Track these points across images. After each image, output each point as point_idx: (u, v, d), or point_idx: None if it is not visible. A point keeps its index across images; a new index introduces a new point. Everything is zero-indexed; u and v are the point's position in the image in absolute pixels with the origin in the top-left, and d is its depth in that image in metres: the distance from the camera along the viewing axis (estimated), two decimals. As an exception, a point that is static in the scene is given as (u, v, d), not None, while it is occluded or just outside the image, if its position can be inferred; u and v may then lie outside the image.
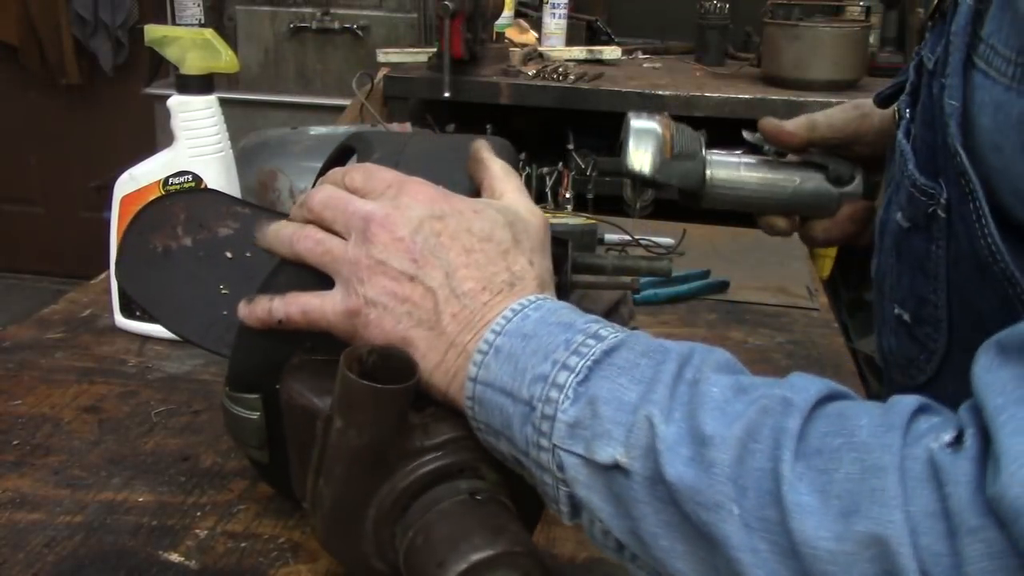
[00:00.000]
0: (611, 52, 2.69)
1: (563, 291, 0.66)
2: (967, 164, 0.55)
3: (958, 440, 0.41)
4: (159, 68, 3.48)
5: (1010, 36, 0.52)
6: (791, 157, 0.86)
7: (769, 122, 0.85)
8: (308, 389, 0.58)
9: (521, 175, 0.64)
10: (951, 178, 0.58)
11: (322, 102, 2.92)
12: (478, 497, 0.55)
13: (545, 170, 2.23)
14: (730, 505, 0.44)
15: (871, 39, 2.52)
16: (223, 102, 1.02)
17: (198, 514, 0.72)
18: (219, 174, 1.01)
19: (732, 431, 0.45)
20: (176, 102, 0.99)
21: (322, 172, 0.75)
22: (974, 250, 0.56)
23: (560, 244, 0.66)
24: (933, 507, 0.40)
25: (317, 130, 1.40)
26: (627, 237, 1.37)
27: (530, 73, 2.39)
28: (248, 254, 0.76)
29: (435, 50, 2.36)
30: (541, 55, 2.57)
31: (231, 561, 0.67)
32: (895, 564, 0.39)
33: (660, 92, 2.30)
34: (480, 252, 0.56)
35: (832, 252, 2.28)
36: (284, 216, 0.66)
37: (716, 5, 2.64)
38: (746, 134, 0.86)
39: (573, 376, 0.50)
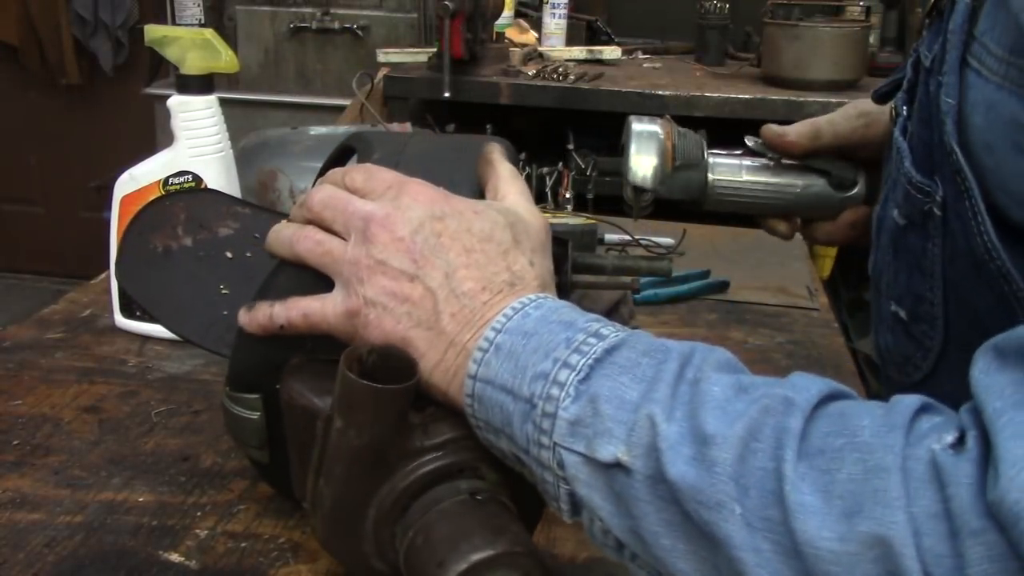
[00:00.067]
0: (611, 52, 2.69)
1: (563, 291, 0.66)
2: (963, 162, 0.55)
3: (960, 442, 0.41)
4: (159, 68, 3.48)
5: (1002, 35, 0.52)
6: (793, 161, 0.86)
7: (771, 129, 0.84)
8: (308, 389, 0.58)
9: (521, 175, 0.65)
10: (947, 176, 0.58)
11: (322, 102, 2.92)
12: (478, 497, 0.55)
13: (545, 170, 2.23)
14: (732, 504, 0.44)
15: (871, 39, 2.52)
16: (223, 102, 1.02)
17: (198, 514, 0.72)
18: (219, 174, 1.01)
19: (734, 430, 0.45)
20: (176, 102, 0.99)
21: (322, 172, 0.75)
22: (970, 248, 0.56)
23: (560, 244, 0.66)
24: (935, 508, 0.40)
25: (317, 130, 1.40)
26: (627, 237, 1.37)
27: (530, 73, 2.39)
28: (248, 254, 0.77)
29: (435, 50, 2.36)
30: (541, 55, 2.57)
31: (231, 561, 0.67)
32: (898, 565, 0.39)
33: (660, 92, 2.30)
34: (480, 252, 0.56)
35: (832, 252, 2.28)
36: (284, 216, 0.66)
37: (716, 5, 2.64)
38: (748, 140, 0.86)
39: (574, 374, 0.50)
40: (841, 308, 2.25)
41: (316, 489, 0.57)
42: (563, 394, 0.49)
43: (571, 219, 1.33)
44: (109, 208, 1.02)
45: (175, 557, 0.67)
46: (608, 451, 0.47)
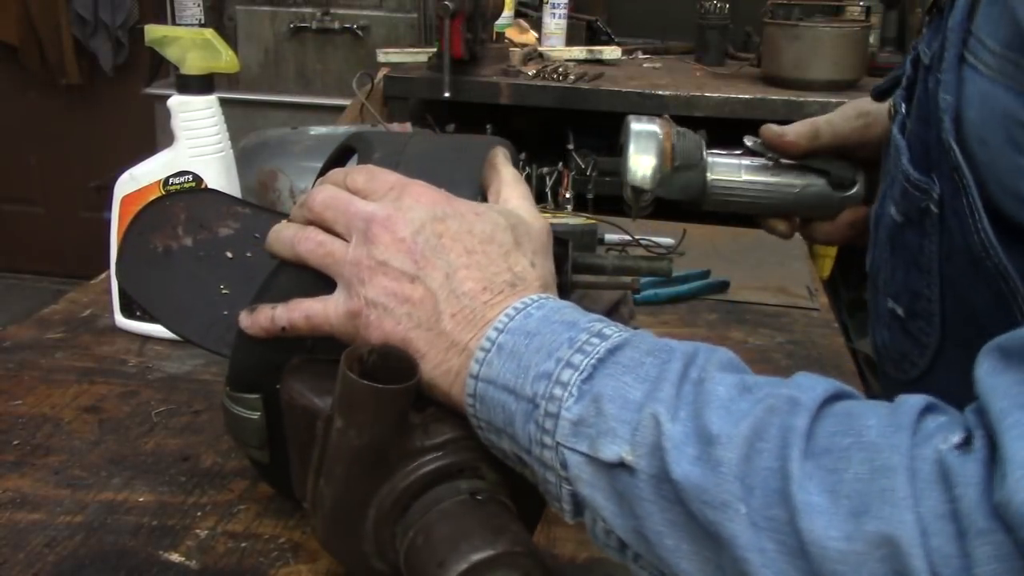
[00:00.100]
0: (611, 52, 2.69)
1: (563, 291, 0.66)
2: (960, 159, 0.55)
3: (967, 442, 0.41)
4: (159, 68, 3.48)
5: (998, 29, 0.52)
6: (792, 161, 0.86)
7: (770, 129, 0.84)
8: (309, 389, 0.58)
9: (521, 175, 0.65)
10: (944, 173, 0.58)
11: (322, 102, 2.92)
12: (478, 497, 0.55)
13: (545, 170, 2.23)
14: (737, 504, 0.43)
15: (871, 39, 2.52)
16: (223, 102, 1.02)
17: (198, 514, 0.72)
18: (219, 174, 1.01)
19: (739, 430, 0.45)
20: (176, 102, 0.99)
21: (322, 172, 0.75)
22: (967, 245, 0.56)
23: (560, 244, 0.66)
24: (943, 508, 0.40)
25: (317, 130, 1.40)
26: (627, 237, 1.37)
27: (530, 73, 2.39)
28: (248, 254, 0.77)
29: (435, 50, 2.36)
30: (541, 55, 2.57)
31: (231, 561, 0.67)
32: (906, 565, 0.39)
33: (660, 92, 2.30)
34: (481, 253, 0.56)
35: (832, 252, 2.28)
36: (284, 216, 0.65)
37: (716, 5, 2.64)
38: (747, 140, 0.86)
39: (577, 374, 0.50)
40: (841, 308, 2.25)
41: (316, 489, 0.57)
42: (566, 394, 0.49)
43: (571, 219, 1.33)
44: (109, 208, 1.02)
45: (175, 557, 0.67)
46: (612, 451, 0.47)
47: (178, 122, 0.99)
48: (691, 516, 0.45)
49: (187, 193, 0.97)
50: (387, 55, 2.54)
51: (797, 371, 0.49)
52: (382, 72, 2.39)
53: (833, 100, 2.22)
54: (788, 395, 0.46)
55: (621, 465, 0.47)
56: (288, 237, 0.61)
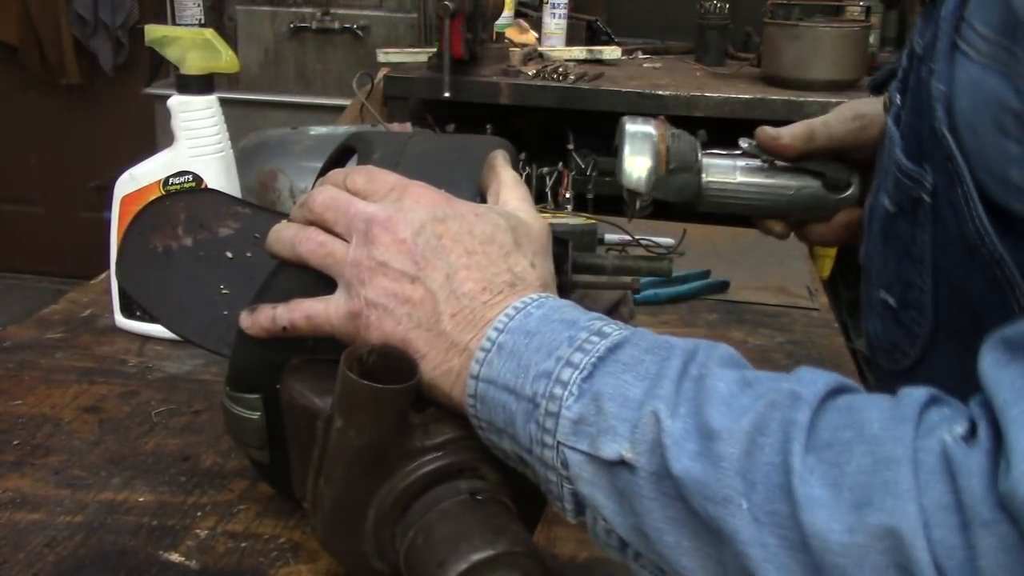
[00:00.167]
0: (611, 52, 2.69)
1: (563, 291, 0.66)
2: (954, 148, 0.55)
3: (971, 433, 0.41)
4: (159, 68, 3.48)
5: (989, 15, 0.52)
6: (787, 163, 0.86)
7: (765, 131, 0.84)
8: (308, 389, 0.58)
9: (521, 175, 0.65)
10: (938, 163, 0.58)
11: (322, 102, 2.92)
12: (478, 497, 0.55)
13: (545, 170, 2.23)
14: (739, 499, 0.43)
15: (871, 39, 2.52)
16: (223, 102, 1.02)
17: (198, 514, 0.72)
18: (219, 174, 1.01)
19: (740, 425, 0.45)
20: (176, 102, 0.99)
21: (322, 172, 0.75)
22: (962, 234, 0.56)
23: (560, 244, 0.66)
24: (947, 500, 0.40)
25: (317, 130, 1.40)
26: (627, 237, 1.38)
27: (530, 73, 2.39)
28: (248, 254, 0.77)
29: (435, 50, 2.36)
30: (541, 55, 2.57)
31: (231, 561, 0.67)
32: (909, 556, 0.39)
33: (660, 92, 2.30)
34: (481, 254, 0.56)
35: (832, 252, 2.28)
36: (284, 216, 0.66)
37: (716, 5, 2.64)
38: (742, 141, 0.86)
39: (577, 373, 0.50)
40: (841, 308, 2.25)
41: (316, 489, 0.57)
42: (566, 393, 0.49)
43: (571, 219, 1.33)
44: (109, 208, 1.02)
45: (175, 557, 0.67)
46: (612, 449, 0.47)
47: (178, 122, 0.99)
48: (692, 512, 0.45)
49: (187, 193, 0.97)
50: (387, 55, 2.54)
51: (802, 366, 0.49)
52: (382, 72, 2.39)
53: (833, 100, 2.22)
54: (789, 389, 0.45)
55: (621, 463, 0.47)
56: (288, 237, 0.61)
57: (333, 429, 0.54)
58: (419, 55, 2.52)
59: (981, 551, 0.38)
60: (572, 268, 0.68)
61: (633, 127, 0.84)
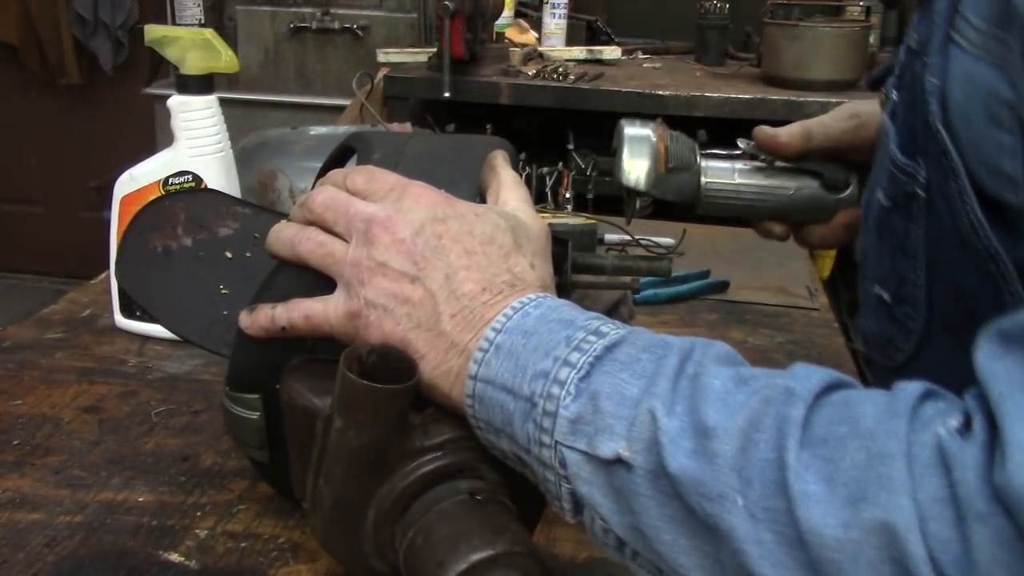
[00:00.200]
0: (611, 52, 2.69)
1: (563, 291, 0.66)
2: (948, 142, 0.55)
3: (966, 426, 0.41)
4: (159, 68, 3.48)
5: (982, 7, 0.52)
6: (785, 163, 0.86)
7: (763, 131, 0.85)
8: (308, 389, 0.58)
9: (521, 175, 0.65)
10: (932, 157, 0.58)
11: (322, 102, 2.92)
12: (478, 497, 0.55)
13: (545, 170, 2.23)
14: (734, 496, 0.43)
15: (871, 39, 2.52)
16: (223, 102, 1.02)
17: (198, 514, 0.72)
18: (219, 174, 1.01)
19: (735, 422, 0.45)
20: (176, 102, 0.99)
21: (322, 172, 0.75)
22: (956, 228, 0.56)
23: (560, 244, 0.66)
24: (941, 493, 0.40)
25: (317, 130, 1.40)
26: (627, 237, 1.37)
27: (530, 73, 2.39)
28: (248, 254, 0.77)
29: (435, 50, 2.36)
30: (541, 55, 2.57)
31: (231, 561, 0.67)
32: (903, 551, 0.39)
33: (660, 92, 2.30)
34: (481, 255, 0.56)
35: (832, 252, 2.28)
36: (284, 216, 0.66)
37: (716, 5, 2.64)
38: (740, 142, 0.86)
39: (575, 372, 0.50)
40: (841, 308, 2.25)
41: (316, 489, 0.57)
42: (564, 392, 0.49)
43: (571, 219, 1.33)
44: (109, 208, 1.02)
45: (175, 557, 0.67)
46: (609, 447, 0.47)
47: (178, 122, 0.99)
48: (689, 510, 0.45)
49: (187, 193, 0.97)
50: (387, 55, 2.54)
51: (798, 362, 0.49)
52: (382, 72, 2.39)
53: (833, 100, 2.22)
54: (784, 386, 0.46)
55: (619, 461, 0.47)
56: (288, 237, 0.61)
57: (332, 429, 0.54)
58: (419, 55, 2.52)
59: (976, 544, 0.38)
60: (572, 268, 0.68)
61: (631, 130, 0.85)
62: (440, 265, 0.56)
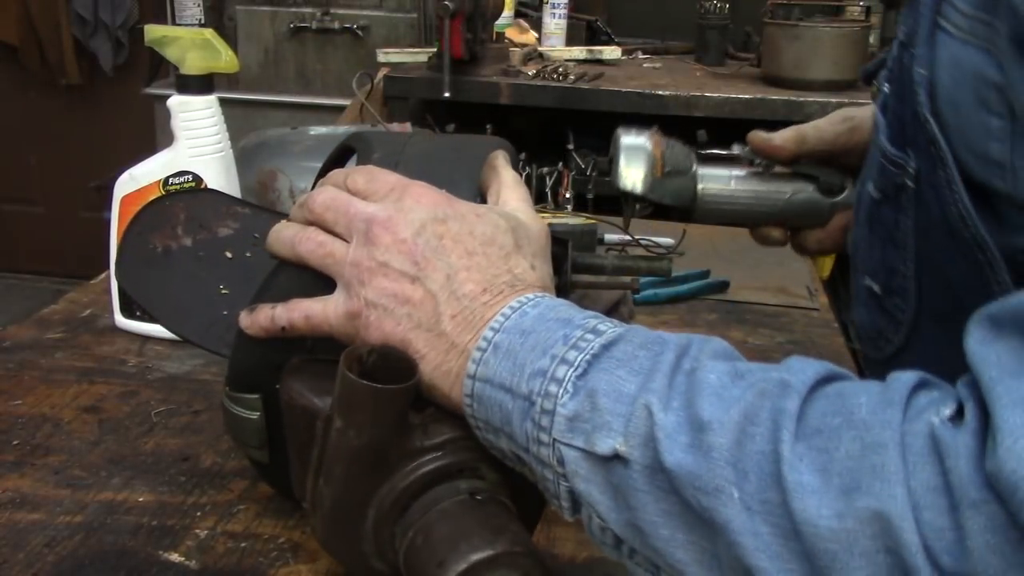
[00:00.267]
0: (611, 52, 2.69)
1: (563, 291, 0.66)
2: (936, 131, 0.56)
3: (959, 414, 0.41)
4: (159, 68, 3.48)
5: None
6: (781, 169, 0.86)
7: (757, 135, 0.85)
8: (308, 389, 0.58)
9: (521, 175, 0.65)
10: (921, 147, 0.58)
11: (322, 102, 2.92)
12: (478, 497, 0.55)
13: (545, 170, 2.23)
14: (730, 489, 0.44)
15: (871, 39, 2.52)
16: (223, 102, 1.02)
17: (198, 514, 0.72)
18: (219, 174, 1.01)
19: (730, 415, 0.45)
20: (176, 102, 0.99)
21: (322, 172, 0.75)
22: (944, 217, 0.56)
23: (560, 244, 0.66)
24: (935, 482, 0.40)
25: (317, 130, 1.40)
26: (627, 237, 1.37)
27: (530, 73, 2.39)
28: (248, 254, 0.77)
29: (435, 50, 2.36)
30: (541, 55, 2.57)
31: (231, 561, 0.67)
32: (897, 540, 0.39)
33: (660, 92, 2.30)
34: (482, 255, 0.56)
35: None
36: (284, 216, 0.66)
37: (716, 5, 2.64)
38: (736, 147, 0.87)
39: (572, 370, 0.50)
40: (841, 308, 2.24)
41: (316, 489, 0.57)
42: (561, 390, 0.49)
43: (571, 219, 1.33)
44: (109, 208, 1.02)
45: (175, 557, 0.67)
46: (607, 444, 0.47)
47: (178, 122, 0.99)
48: (685, 504, 0.45)
49: (187, 193, 0.97)
50: (387, 55, 2.54)
51: (793, 356, 0.49)
52: (382, 72, 2.39)
53: (833, 100, 2.22)
54: (779, 378, 0.46)
55: (616, 458, 0.47)
56: (288, 237, 0.61)
57: (332, 429, 0.54)
58: (419, 55, 2.52)
59: (970, 532, 0.38)
60: (572, 268, 0.68)
61: (627, 139, 0.86)
62: (441, 265, 0.56)
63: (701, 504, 0.44)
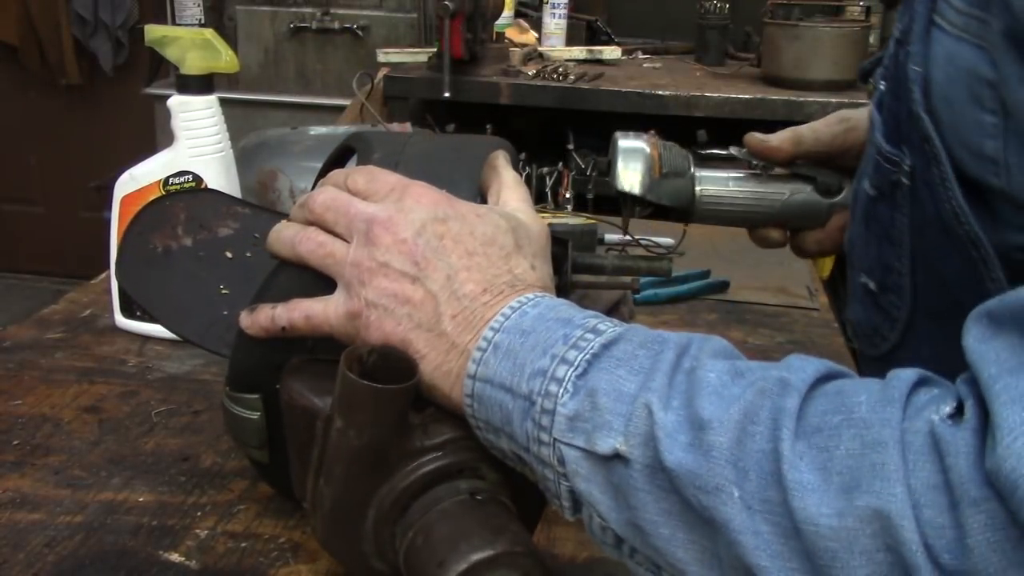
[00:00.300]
0: (611, 52, 2.69)
1: (563, 291, 0.66)
2: (930, 128, 0.56)
3: (959, 412, 0.41)
4: (159, 68, 3.48)
5: None
6: (779, 170, 0.86)
7: (754, 137, 0.85)
8: (308, 389, 0.58)
9: (521, 175, 0.65)
10: (915, 145, 0.58)
11: (322, 102, 2.92)
12: (478, 497, 0.55)
13: (545, 170, 2.23)
14: (730, 488, 0.44)
15: (871, 39, 2.52)
16: (223, 102, 1.02)
17: (198, 514, 0.72)
18: (219, 174, 1.01)
19: (730, 414, 0.45)
20: (176, 102, 0.99)
21: (322, 172, 0.75)
22: (939, 215, 0.56)
23: (560, 244, 0.66)
24: (935, 480, 0.40)
25: (317, 130, 1.40)
26: (627, 237, 1.37)
27: (530, 73, 2.39)
28: (248, 254, 0.77)
29: (435, 50, 2.36)
30: (541, 55, 2.57)
31: (231, 561, 0.67)
32: (898, 538, 0.39)
33: (660, 92, 2.30)
34: (482, 255, 0.56)
35: (831, 253, 2.28)
36: (284, 216, 0.66)
37: (716, 5, 2.64)
38: (733, 149, 0.87)
39: (572, 370, 0.50)
40: (841, 308, 2.24)
41: (316, 489, 0.57)
42: (561, 390, 0.49)
43: (571, 219, 1.33)
44: (109, 208, 1.02)
45: (175, 557, 0.67)
46: (607, 443, 0.47)
47: (178, 122, 0.99)
48: (686, 504, 0.45)
49: (187, 193, 0.97)
50: (387, 55, 2.54)
51: (793, 354, 0.49)
52: (382, 72, 2.39)
53: (833, 100, 2.22)
54: (778, 377, 0.46)
55: (616, 457, 0.47)
56: (288, 237, 0.61)
57: (333, 429, 0.54)
58: (419, 55, 2.52)
59: (970, 529, 0.38)
60: (572, 268, 0.68)
61: (625, 142, 0.86)
62: (441, 266, 0.56)
63: (701, 503, 0.44)
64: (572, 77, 2.37)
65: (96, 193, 3.56)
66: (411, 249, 0.56)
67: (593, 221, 1.33)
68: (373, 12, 3.19)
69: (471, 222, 0.58)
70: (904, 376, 0.44)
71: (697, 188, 0.86)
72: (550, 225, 0.63)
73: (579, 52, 2.66)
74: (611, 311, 0.87)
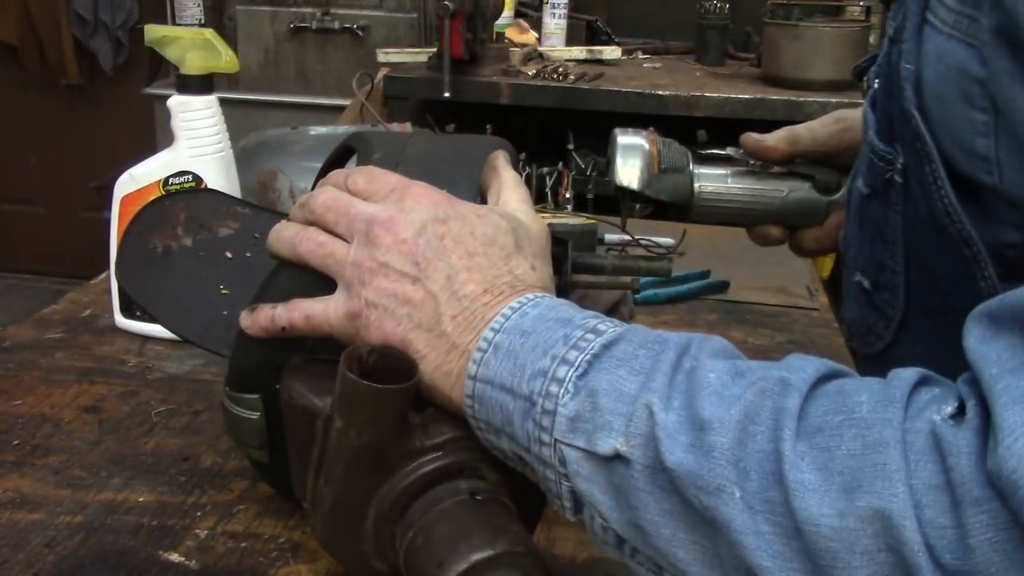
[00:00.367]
0: (611, 52, 2.69)
1: (563, 291, 0.66)
2: (922, 127, 0.56)
3: (960, 412, 0.41)
4: (159, 68, 3.48)
5: None
6: (778, 169, 0.87)
7: (750, 137, 0.86)
8: (308, 389, 0.58)
9: (521, 175, 0.65)
10: (908, 143, 0.59)
11: (322, 102, 2.92)
12: (478, 497, 0.55)
13: (545, 170, 2.23)
14: (732, 488, 0.44)
15: (871, 39, 2.52)
16: (223, 102, 1.02)
17: (198, 514, 0.72)
18: (219, 174, 1.01)
19: (731, 414, 0.45)
20: (176, 102, 0.99)
21: (322, 172, 0.75)
22: (931, 213, 0.56)
23: (560, 244, 0.66)
24: (936, 480, 0.40)
25: (317, 130, 1.40)
26: (627, 237, 1.37)
27: (530, 73, 2.39)
28: (248, 254, 0.77)
29: (435, 50, 2.36)
30: (541, 55, 2.57)
31: (231, 561, 0.67)
32: (899, 538, 0.39)
33: (660, 92, 2.30)
34: (483, 256, 0.56)
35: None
36: (284, 216, 0.66)
37: (716, 5, 2.64)
38: (731, 150, 0.87)
39: (572, 370, 0.50)
40: (840, 308, 2.25)
41: (316, 489, 0.57)
42: (562, 390, 0.49)
43: (571, 219, 1.33)
44: (109, 208, 1.02)
45: (175, 557, 0.67)
46: (608, 444, 0.47)
47: (178, 122, 0.99)
48: (687, 504, 0.45)
49: (187, 193, 0.97)
50: (387, 55, 2.54)
51: (793, 353, 0.49)
52: (382, 72, 2.39)
53: (833, 100, 2.22)
54: (779, 377, 0.46)
55: (617, 457, 0.47)
56: (289, 237, 0.61)
57: (333, 429, 0.54)
58: (419, 55, 2.52)
59: (972, 529, 0.38)
60: (572, 268, 0.68)
61: (624, 139, 0.87)
62: (442, 266, 0.56)
63: (703, 503, 0.44)
64: (572, 77, 2.37)
65: (96, 193, 3.56)
66: (411, 249, 0.56)
67: (593, 221, 1.33)
68: (373, 12, 3.19)
69: (471, 222, 0.58)
70: (905, 376, 0.44)
71: (696, 184, 0.86)
72: (550, 225, 0.63)
73: (579, 52, 2.66)
74: (611, 311, 0.87)
